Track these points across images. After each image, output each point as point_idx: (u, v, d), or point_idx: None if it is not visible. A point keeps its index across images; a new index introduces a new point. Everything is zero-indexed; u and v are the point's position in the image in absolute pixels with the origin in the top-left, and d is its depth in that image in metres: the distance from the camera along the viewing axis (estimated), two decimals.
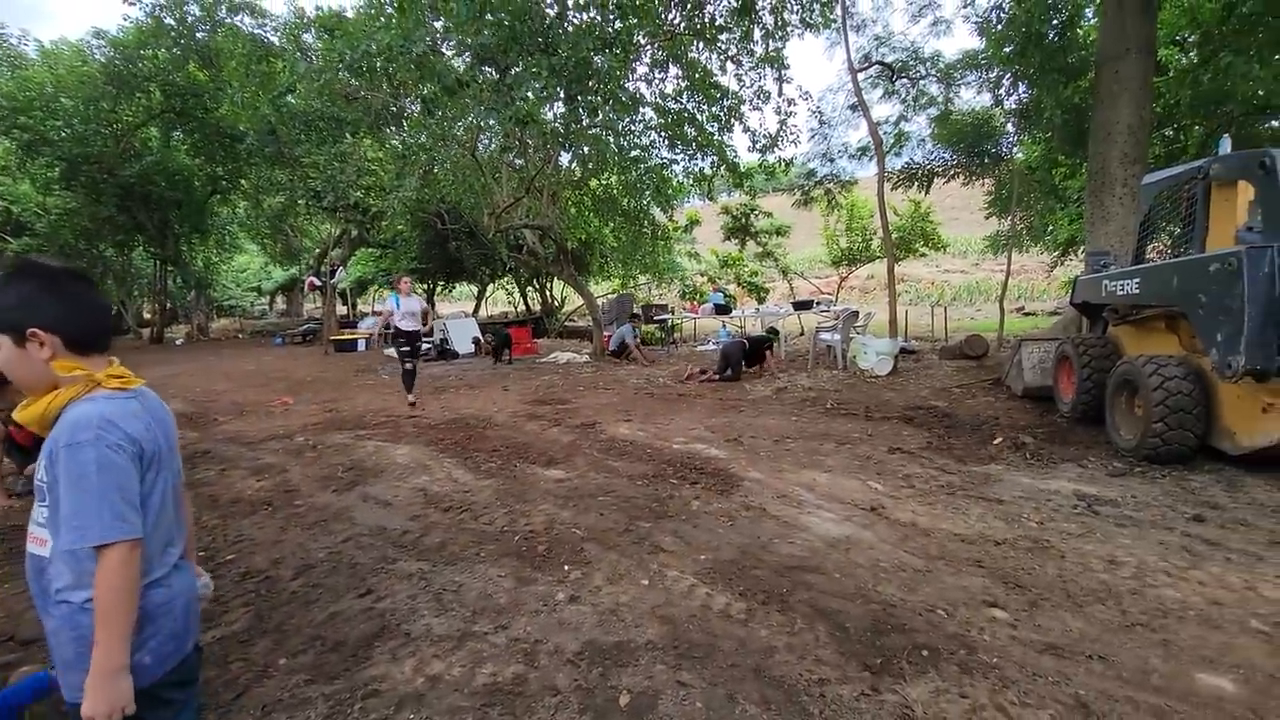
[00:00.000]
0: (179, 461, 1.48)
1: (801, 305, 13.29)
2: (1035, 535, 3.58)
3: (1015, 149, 13.80)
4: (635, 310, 15.50)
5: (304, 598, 3.06)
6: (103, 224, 18.08)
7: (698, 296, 18.37)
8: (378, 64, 6.48)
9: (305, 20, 10.79)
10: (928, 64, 12.41)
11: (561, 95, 6.93)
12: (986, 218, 18.53)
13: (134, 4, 12.83)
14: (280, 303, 32.17)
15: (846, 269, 18.96)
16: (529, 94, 5.99)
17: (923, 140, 14.34)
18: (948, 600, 2.84)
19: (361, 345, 16.42)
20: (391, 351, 14.99)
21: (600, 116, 7.12)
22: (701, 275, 20.35)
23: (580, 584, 3.08)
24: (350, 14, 10.31)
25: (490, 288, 25.93)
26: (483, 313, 25.01)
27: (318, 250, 20.57)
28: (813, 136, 13.71)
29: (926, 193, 15.47)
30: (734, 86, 9.63)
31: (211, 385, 10.53)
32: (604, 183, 12.55)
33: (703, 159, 10.46)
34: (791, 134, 9.93)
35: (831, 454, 5.39)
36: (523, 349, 13.59)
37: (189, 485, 2.51)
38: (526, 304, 23.90)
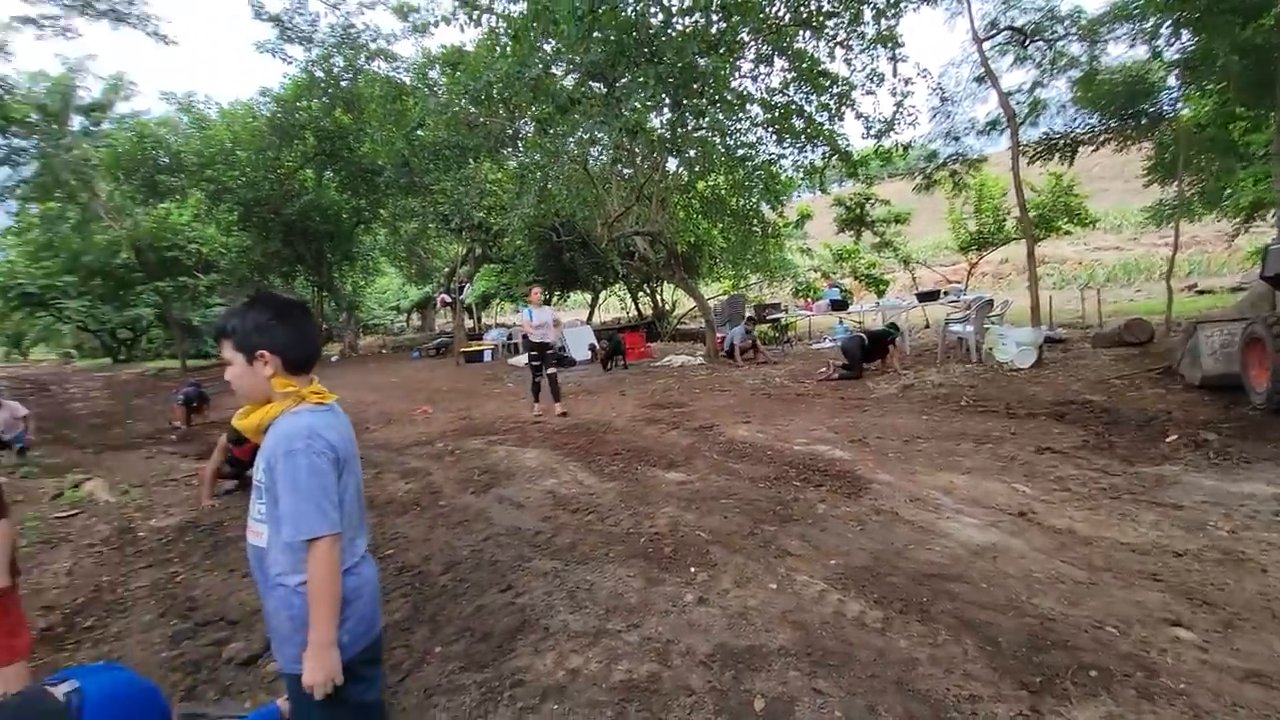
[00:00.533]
0: (359, 465, 1.67)
1: (927, 296, 12.47)
2: (1226, 546, 3.13)
3: (1180, 105, 12.09)
4: (749, 311, 15.30)
5: (453, 591, 3.33)
6: (271, 257, 20.71)
7: (812, 293, 17.79)
8: (495, 91, 6.94)
9: (431, 59, 11.73)
10: (1066, 22, 11.19)
11: (667, 102, 7.01)
12: (1146, 185, 16.36)
13: (291, 63, 14.68)
14: (415, 319, 35.05)
15: (976, 254, 17.55)
16: (636, 104, 6.14)
17: (1063, 107, 12.93)
18: (1118, 617, 2.56)
19: (488, 356, 17.51)
20: (517, 361, 15.89)
21: (707, 119, 7.12)
22: (815, 271, 19.69)
23: (708, 586, 3.09)
24: (470, 48, 11.10)
25: (603, 295, 26.66)
26: (596, 319, 25.77)
27: (447, 269, 22.22)
28: (934, 116, 12.81)
29: (1070, 164, 13.94)
30: (844, 72, 9.26)
31: (361, 397, 11.68)
32: (711, 184, 12.52)
33: (813, 151, 10.13)
34: (909, 115, 9.36)
35: (970, 454, 5.02)
36: (637, 353, 13.85)
37: None
38: (638, 309, 24.33)
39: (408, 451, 6.82)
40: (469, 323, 23.18)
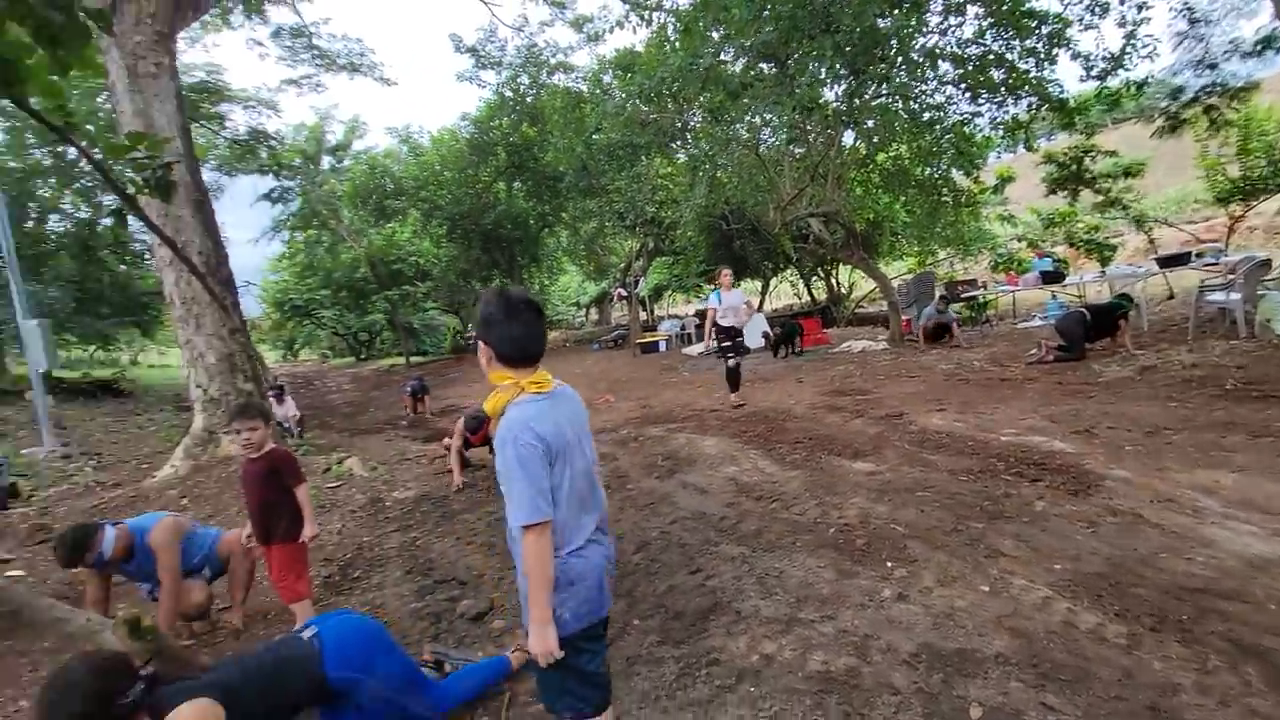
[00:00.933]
0: (591, 447, 1.77)
1: (1172, 260, 10.35)
2: None
3: None
4: (939, 290, 13.98)
5: (645, 570, 3.50)
6: (472, 265, 23.27)
7: (1016, 266, 15.73)
8: (667, 87, 7.09)
9: (605, 64, 12.32)
10: None
11: (844, 72, 6.61)
12: None
13: (484, 87, 16.40)
14: (594, 313, 37.17)
15: (1241, 205, 14.18)
16: (810, 79, 5.88)
17: None
18: None
19: (662, 346, 18.01)
20: (690, 350, 16.16)
21: (889, 85, 6.58)
22: (1019, 241, 17.38)
23: (907, 583, 2.92)
24: (641, 49, 11.48)
25: (773, 282, 26.05)
26: (767, 307, 25.25)
27: (622, 264, 23.26)
28: (1180, 43, 10.59)
29: None
30: (1055, 8, 8.01)
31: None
32: (893, 155, 11.61)
33: (1015, 104, 8.91)
34: (1144, 47, 7.84)
35: (1241, 449, 4.13)
36: (813, 339, 13.35)
37: None
38: (811, 294, 23.41)
39: (596, 437, 7.24)
40: (643, 315, 24.05)
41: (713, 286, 7.48)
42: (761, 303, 25.15)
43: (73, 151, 15.99)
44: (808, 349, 12.57)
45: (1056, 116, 8.88)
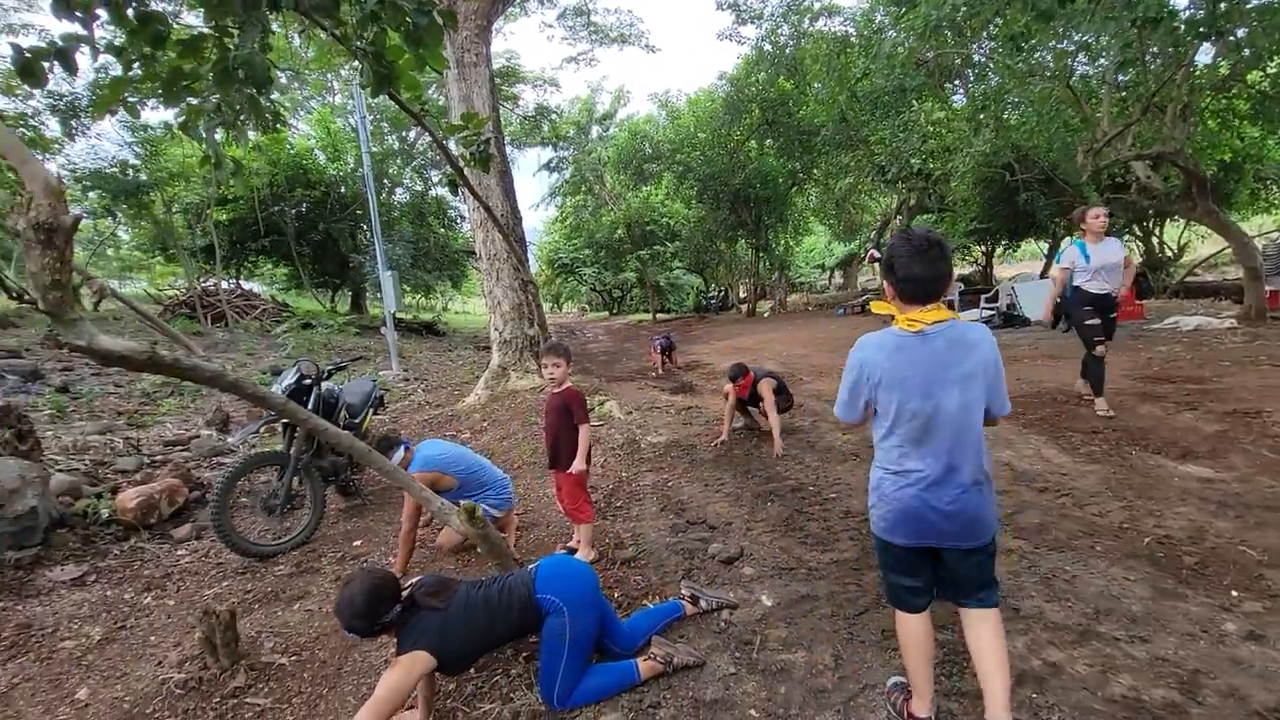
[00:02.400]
0: (958, 397, 1.75)
1: None
2: None
3: None
4: None
5: None
6: (719, 225, 23.64)
7: None
8: (953, 17, 6.20)
9: (878, 1, 11.25)
10: None
11: None
12: None
13: (744, 43, 16.18)
14: (838, 277, 35.30)
15: None
16: None
17: None
18: None
19: None
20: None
21: None
22: None
23: (1264, 621, 2.31)
24: None
25: (1065, 242, 21.88)
26: (1055, 271, 21.34)
27: (878, 222, 21.58)
28: None
29: None
30: None
31: (793, 350, 12.44)
32: (1272, 73, 8.75)
33: None
34: None
35: None
36: (1123, 313, 10.96)
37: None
38: None
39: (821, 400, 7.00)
40: None
41: (1074, 236, 5.42)
42: (1047, 267, 21.34)
43: (412, 136, 19.87)
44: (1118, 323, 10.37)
45: None
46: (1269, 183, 15.13)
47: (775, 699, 2.22)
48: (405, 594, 2.17)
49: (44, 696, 2.65)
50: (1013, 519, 3.45)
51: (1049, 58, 7.50)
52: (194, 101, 2.90)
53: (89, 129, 13.65)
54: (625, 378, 11.45)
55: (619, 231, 26.64)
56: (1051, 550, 3.03)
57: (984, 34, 9.27)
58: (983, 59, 11.11)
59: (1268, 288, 9.34)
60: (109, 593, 3.55)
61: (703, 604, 2.78)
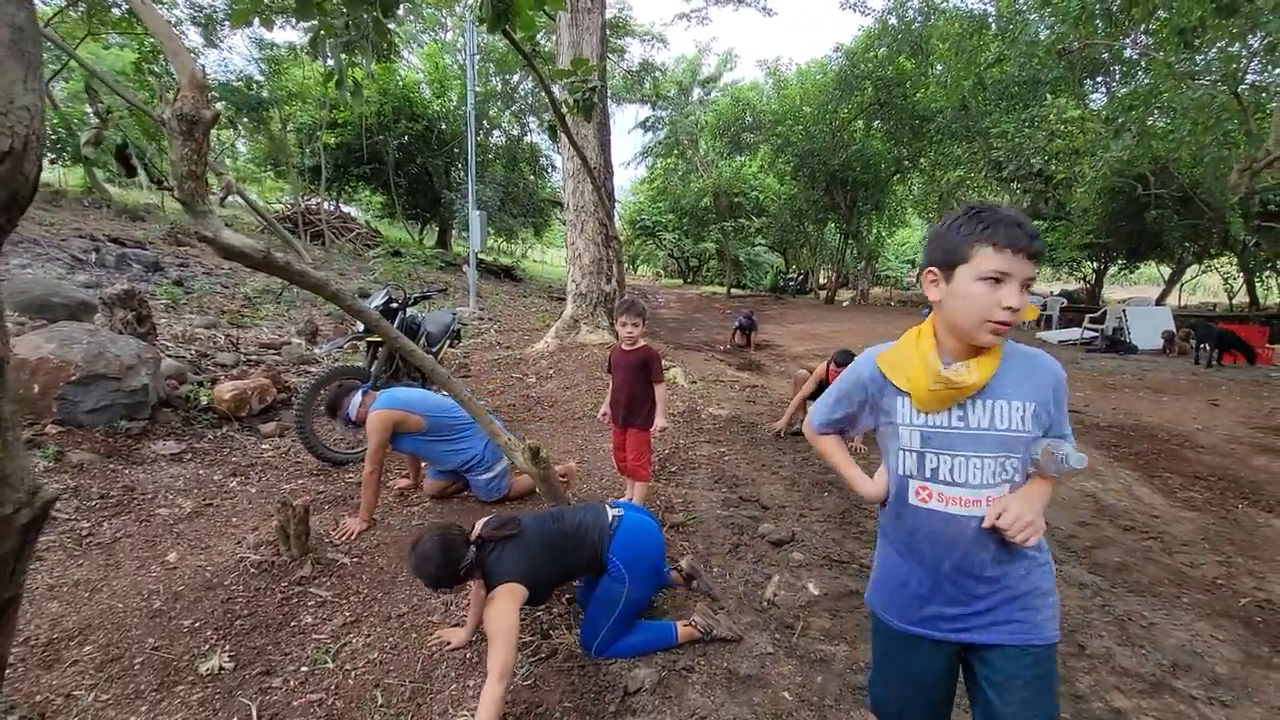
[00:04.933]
0: None
1: None
2: None
3: None
4: None
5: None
6: (810, 205, 22.82)
7: None
8: (1117, 4, 5.56)
9: None
10: None
11: None
12: None
13: (868, 14, 15.26)
14: None
15: None
16: None
17: None
18: None
19: None
20: (1051, 335, 13.52)
21: None
22: None
23: None
24: None
25: (1191, 271, 19.93)
26: (1173, 300, 19.56)
27: None
28: None
29: None
30: None
31: (869, 344, 11.97)
32: None
33: None
34: None
35: None
36: (1250, 356, 9.97)
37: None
38: (1253, 294, 17.32)
39: None
40: None
41: None
42: (1165, 294, 19.58)
43: (516, 79, 20.01)
44: (1232, 364, 9.48)
45: None
46: None
47: (811, 686, 2.18)
48: (474, 535, 2.19)
49: (140, 553, 2.93)
50: (1090, 552, 3.24)
51: (1216, 60, 6.66)
52: (323, 19, 2.99)
53: (224, 41, 14.44)
54: (693, 347, 11.38)
55: (705, 200, 26.17)
56: (1130, 593, 2.83)
57: (1143, 27, 8.35)
58: (1135, 55, 10.05)
59: None
60: (201, 472, 3.87)
61: (695, 584, 2.72)
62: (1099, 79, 12.01)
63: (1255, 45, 6.00)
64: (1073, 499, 4.00)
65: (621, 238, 33.52)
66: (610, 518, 2.38)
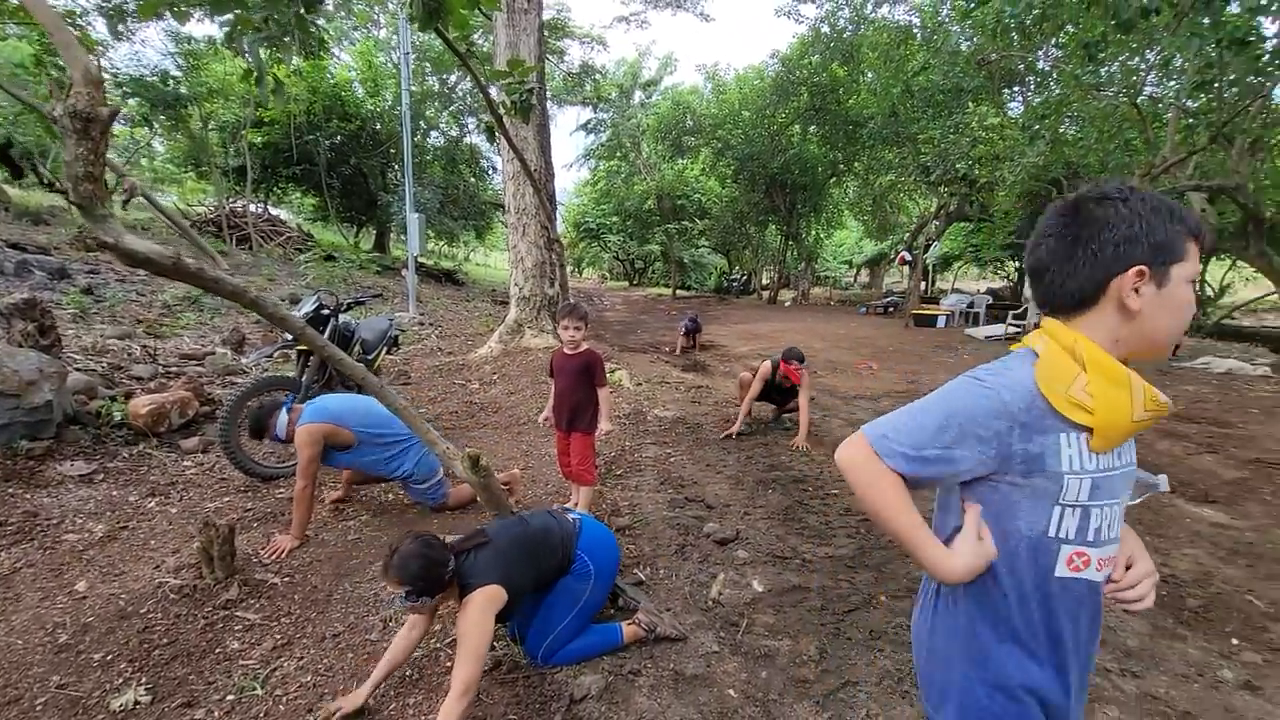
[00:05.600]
0: None
1: None
2: None
3: None
4: None
5: (898, 549, 3.28)
6: (751, 207, 23.28)
7: None
8: (1024, 17, 5.93)
9: None
10: None
11: None
12: None
13: (802, 22, 15.71)
14: (864, 275, 34.83)
15: None
16: (1252, 3, 4.36)
17: None
18: None
19: (941, 322, 16.22)
20: (975, 332, 14.24)
21: None
22: None
23: (1260, 671, 2.28)
24: None
25: None
26: None
27: (913, 225, 21.16)
28: None
29: None
30: None
31: (810, 342, 12.31)
32: None
33: None
34: None
35: None
36: None
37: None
38: None
39: (853, 402, 6.94)
40: (922, 285, 21.78)
41: None
42: None
43: (453, 80, 19.61)
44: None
45: None
46: None
47: (755, 682, 2.22)
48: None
49: (44, 584, 2.71)
50: None
51: (1118, 73, 7.20)
52: (241, 13, 2.84)
53: (135, 34, 13.57)
54: (638, 349, 11.41)
55: (649, 202, 26.32)
56: None
57: (1054, 40, 8.91)
58: (1047, 67, 10.71)
59: None
60: (115, 493, 3.61)
61: (620, 601, 2.62)
62: (1016, 88, 12.70)
63: (1152, 59, 6.52)
64: None
65: (565, 240, 33.46)
66: (570, 519, 2.43)
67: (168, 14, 3.12)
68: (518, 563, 2.15)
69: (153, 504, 3.57)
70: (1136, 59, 7.56)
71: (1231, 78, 6.18)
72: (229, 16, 2.74)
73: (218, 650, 2.32)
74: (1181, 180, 7.74)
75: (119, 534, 3.20)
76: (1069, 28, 7.59)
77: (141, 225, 12.91)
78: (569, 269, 42.70)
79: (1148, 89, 7.83)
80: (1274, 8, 4.59)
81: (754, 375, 5.38)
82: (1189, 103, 7.89)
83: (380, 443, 3.34)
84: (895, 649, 2.40)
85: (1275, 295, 9.81)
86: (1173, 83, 7.26)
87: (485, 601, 1.95)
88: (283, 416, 3.28)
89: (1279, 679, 2.24)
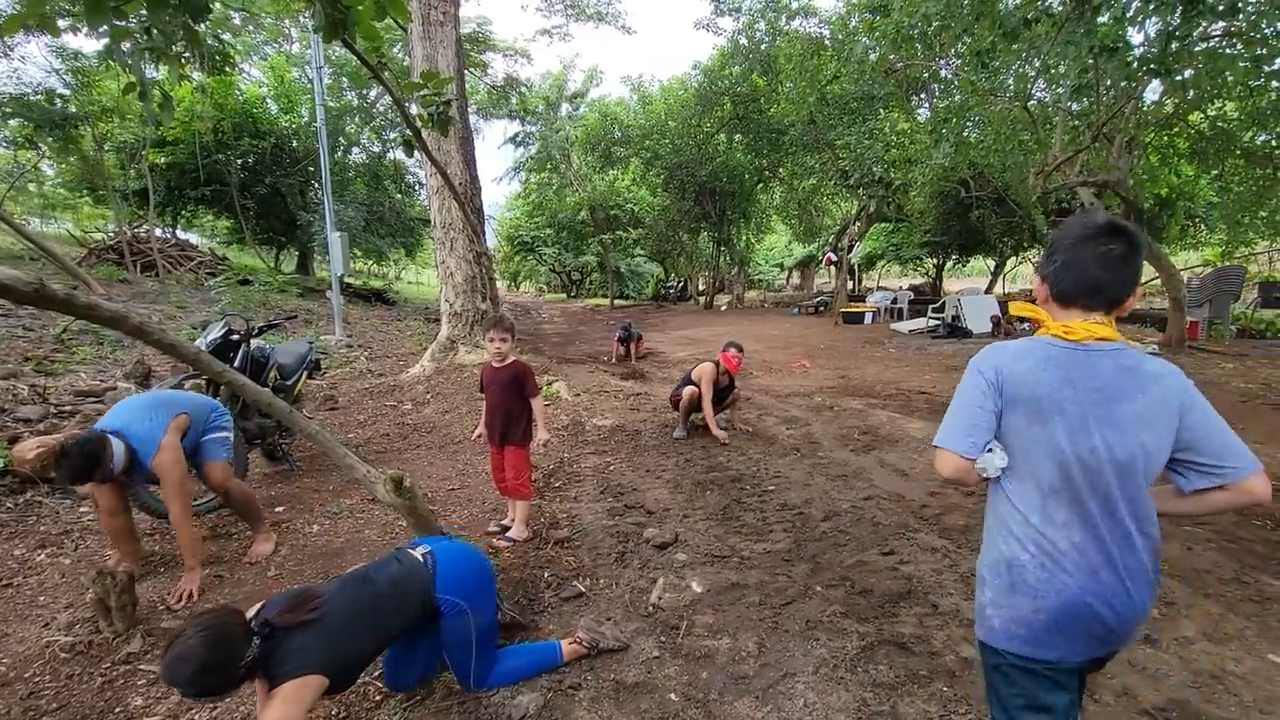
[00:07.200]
0: (1126, 445, 1.20)
1: None
2: None
3: None
4: (1237, 289, 11.16)
5: (833, 540, 3.37)
6: (683, 215, 23.63)
7: None
8: (924, 28, 6.31)
9: (854, 6, 11.39)
10: None
11: (1168, 4, 5.27)
12: None
13: (720, 34, 16.15)
14: (795, 277, 35.93)
15: None
16: (1118, 13, 4.80)
17: None
18: None
19: (868, 319, 16.92)
20: (899, 327, 14.91)
21: (1242, 16, 5.09)
22: None
23: (1158, 627, 2.45)
24: None
25: (1011, 262, 22.81)
26: (999, 290, 22.27)
27: (837, 227, 22.00)
28: None
29: None
30: None
31: (746, 345, 12.52)
32: (1213, 114, 9.27)
33: None
34: None
35: None
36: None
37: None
38: None
39: (788, 400, 7.11)
40: (850, 284, 22.66)
41: None
42: (993, 284, 22.27)
43: (373, 95, 19.08)
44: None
45: None
46: (1198, 220, 16.11)
47: (696, 683, 2.21)
48: (255, 619, 1.73)
49: None
50: (940, 519, 3.56)
51: (1010, 79, 7.75)
52: (118, 24, 2.66)
53: (11, 50, 12.54)
54: (577, 360, 11.34)
55: (582, 213, 26.34)
56: (973, 551, 3.13)
57: (952, 50, 9.49)
58: (949, 75, 11.38)
59: (1188, 319, 9.95)
60: None
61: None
62: (922, 95, 13.41)
63: (1038, 66, 7.05)
64: (925, 472, 4.40)
65: (500, 254, 32.98)
66: (421, 557, 2.09)
67: (33, 26, 2.89)
68: (352, 636, 1.81)
69: (42, 556, 3.27)
70: (1025, 66, 8.12)
71: (1107, 83, 6.74)
72: (104, 28, 2.57)
73: (117, 709, 2.13)
74: (1071, 176, 8.36)
75: (2, 592, 2.91)
76: (965, 38, 8.08)
77: (30, 256, 11.93)
78: (505, 283, 42.17)
79: (1037, 94, 8.45)
80: (1138, 19, 5.04)
81: (705, 374, 5.42)
82: (1073, 106, 8.55)
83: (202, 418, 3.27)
84: (831, 636, 2.45)
85: (1157, 280, 10.72)
86: (1057, 88, 7.86)
87: (296, 694, 1.62)
88: (117, 447, 2.72)
89: (1176, 632, 2.42)
